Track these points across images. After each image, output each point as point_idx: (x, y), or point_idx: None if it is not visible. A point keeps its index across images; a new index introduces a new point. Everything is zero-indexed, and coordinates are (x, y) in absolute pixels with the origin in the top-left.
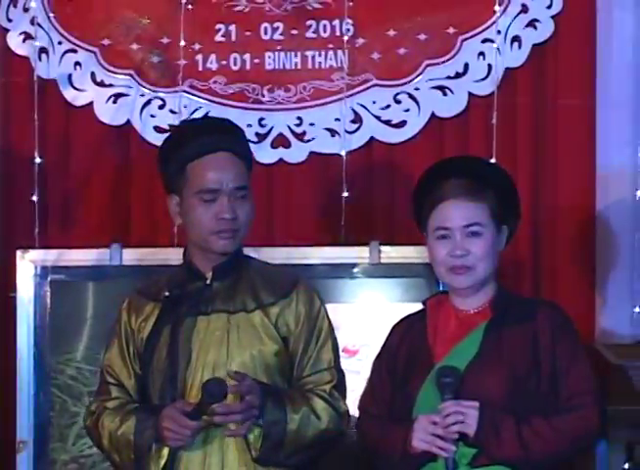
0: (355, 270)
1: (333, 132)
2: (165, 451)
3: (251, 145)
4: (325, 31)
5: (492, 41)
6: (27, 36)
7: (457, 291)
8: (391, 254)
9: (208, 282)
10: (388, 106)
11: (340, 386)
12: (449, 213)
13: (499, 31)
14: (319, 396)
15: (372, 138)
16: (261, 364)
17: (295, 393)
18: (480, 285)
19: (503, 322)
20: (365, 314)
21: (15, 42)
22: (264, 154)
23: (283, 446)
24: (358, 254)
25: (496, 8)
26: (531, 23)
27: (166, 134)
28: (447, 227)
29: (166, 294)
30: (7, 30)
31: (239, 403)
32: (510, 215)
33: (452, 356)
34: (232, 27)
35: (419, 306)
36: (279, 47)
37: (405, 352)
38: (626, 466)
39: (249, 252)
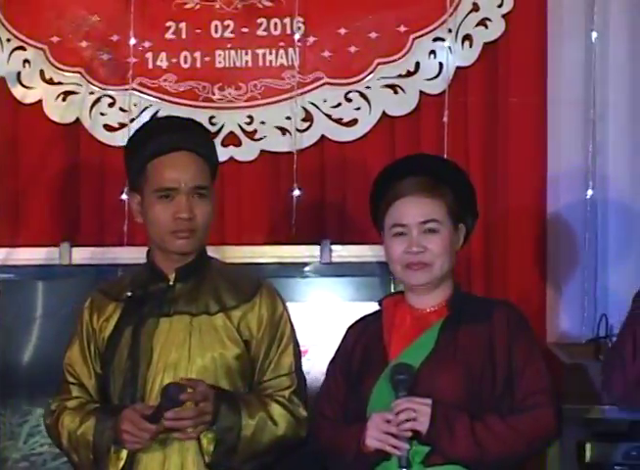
0: (306, 269)
1: (284, 131)
2: (124, 454)
3: None
4: (276, 29)
5: (443, 40)
6: None
7: (413, 289)
8: (343, 252)
9: (171, 283)
10: (339, 104)
11: (300, 391)
12: (405, 210)
13: (450, 30)
14: (277, 401)
15: (323, 137)
16: (222, 367)
17: (252, 398)
18: (437, 283)
19: (459, 321)
20: (316, 314)
21: None
22: None
23: (237, 452)
24: (309, 252)
25: (447, 6)
26: (482, 22)
27: (115, 133)
28: (403, 224)
29: (129, 294)
30: None
31: (190, 410)
32: (467, 214)
33: (407, 354)
34: (182, 25)
35: (371, 306)
36: (229, 45)
37: (360, 352)
38: (577, 466)
39: None
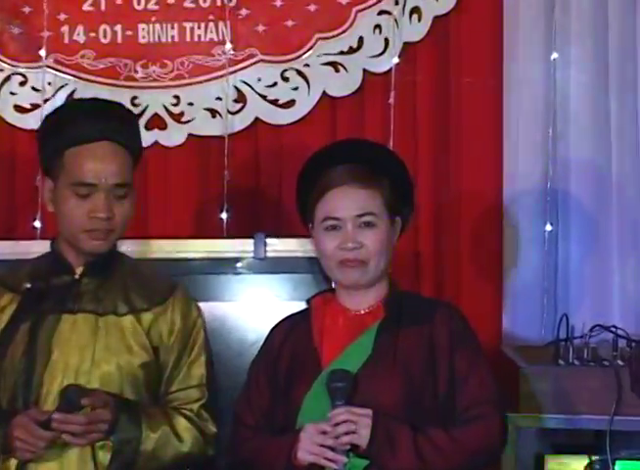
0: (239, 265)
1: (214, 113)
2: (13, 462)
3: None
4: (205, 1)
5: (389, 13)
6: None
7: (347, 288)
8: (279, 247)
9: (77, 277)
10: (275, 84)
11: (210, 405)
12: (339, 202)
13: (397, 2)
14: (184, 415)
15: (257, 119)
16: (128, 376)
17: (156, 410)
18: (372, 282)
19: (397, 323)
20: (250, 313)
21: None
22: None
23: (135, 467)
24: (242, 247)
25: None
26: None
27: (27, 114)
28: (337, 217)
29: (28, 286)
30: None
31: (82, 415)
32: (403, 206)
33: (342, 360)
34: None
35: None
36: (154, 18)
37: (287, 355)
38: None
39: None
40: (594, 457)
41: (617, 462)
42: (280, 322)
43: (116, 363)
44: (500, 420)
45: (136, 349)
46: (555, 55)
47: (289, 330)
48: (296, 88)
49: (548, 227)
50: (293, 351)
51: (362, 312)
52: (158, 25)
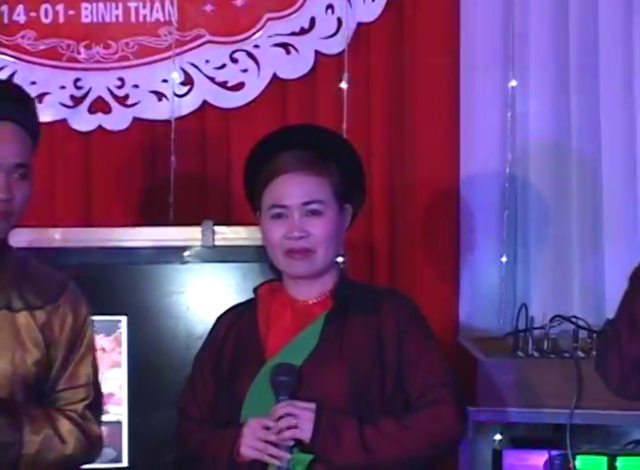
0: (186, 254)
1: (160, 95)
2: None
3: (65, 110)
4: None
5: None
6: None
7: (294, 278)
8: (228, 235)
9: None
10: (224, 65)
11: (95, 407)
12: (286, 189)
13: None
14: (67, 416)
15: (205, 102)
16: (20, 374)
17: (38, 412)
18: (321, 272)
19: (345, 313)
20: (198, 304)
21: None
22: (80, 120)
23: None
24: (189, 235)
25: None
26: None
27: None
28: (284, 205)
29: None
30: None
31: None
32: (354, 193)
33: (287, 351)
34: None
35: None
36: None
37: (232, 346)
38: None
39: (60, 233)
40: (554, 452)
41: (578, 457)
42: (225, 312)
43: (10, 360)
44: (456, 405)
45: (30, 346)
46: (513, 32)
47: (234, 320)
48: (245, 70)
49: (506, 214)
50: (237, 341)
51: (310, 303)
52: (101, 5)
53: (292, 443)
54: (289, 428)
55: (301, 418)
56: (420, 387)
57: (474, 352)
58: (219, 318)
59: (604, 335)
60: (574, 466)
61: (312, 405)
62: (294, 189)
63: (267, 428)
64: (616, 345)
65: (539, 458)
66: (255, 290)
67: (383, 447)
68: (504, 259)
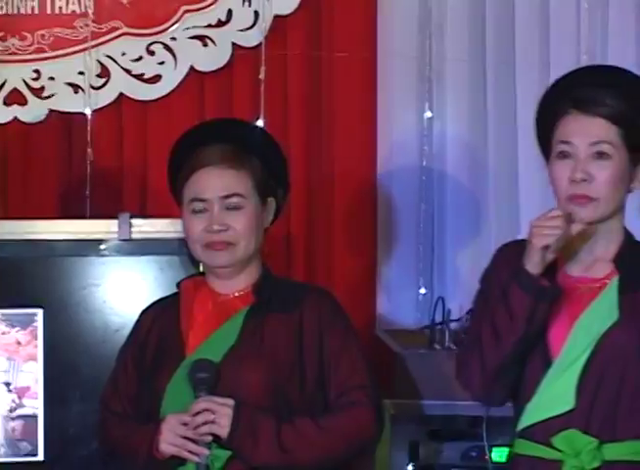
0: (102, 247)
1: (76, 88)
2: None
3: None
4: None
5: None
6: None
7: (216, 272)
8: (145, 228)
9: None
10: (140, 58)
11: None
12: (206, 183)
13: None
14: None
15: (121, 95)
16: None
17: None
18: (242, 265)
19: (266, 309)
20: (115, 297)
21: None
22: None
23: None
24: (106, 228)
25: None
26: None
27: None
28: (203, 199)
29: None
30: None
31: None
32: (277, 187)
33: (206, 347)
34: None
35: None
36: None
37: (155, 341)
38: (410, 467)
39: None
40: (470, 444)
41: (494, 449)
42: (149, 306)
43: None
44: (373, 407)
45: None
46: (430, 29)
47: (157, 315)
48: (162, 63)
49: (423, 206)
50: (160, 336)
51: (232, 297)
52: None
53: (210, 438)
54: (206, 424)
55: (219, 414)
56: (339, 388)
57: (391, 345)
58: (143, 313)
59: (463, 343)
60: (491, 458)
61: (231, 402)
62: (213, 183)
63: (185, 424)
64: (477, 354)
65: (456, 450)
66: (179, 284)
67: (299, 448)
68: (421, 253)
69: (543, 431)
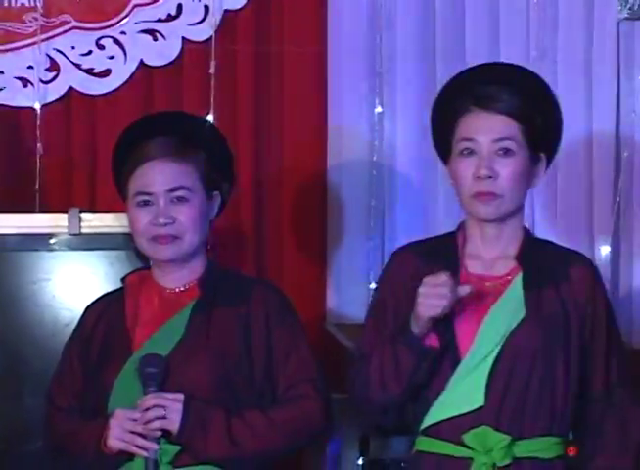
0: (52, 241)
1: (25, 82)
2: None
3: None
4: None
5: None
6: None
7: (161, 266)
8: (94, 222)
9: None
10: (90, 52)
11: None
12: (151, 176)
13: None
14: None
15: (71, 89)
16: None
17: None
18: (187, 259)
19: (213, 302)
20: (65, 292)
21: None
22: None
23: None
24: (55, 222)
25: None
26: None
27: None
28: (149, 192)
29: None
30: None
31: None
32: (222, 180)
33: (154, 342)
34: None
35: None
36: None
37: (101, 336)
38: (360, 462)
39: None
40: None
41: None
42: (94, 301)
43: None
44: (321, 400)
45: None
46: (380, 24)
47: (103, 310)
48: (111, 57)
49: (373, 202)
50: (106, 331)
51: (177, 291)
52: None
53: (159, 433)
54: (157, 419)
55: (170, 409)
56: (287, 381)
57: (341, 340)
58: (88, 308)
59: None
60: None
61: (180, 396)
62: (158, 176)
63: (134, 419)
64: (365, 392)
65: (406, 445)
66: (124, 279)
67: (248, 440)
68: (371, 246)
69: (452, 428)
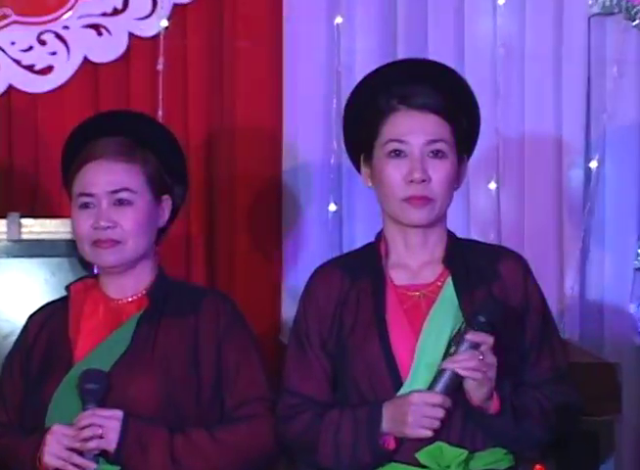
0: None
1: None
2: None
3: None
4: None
5: None
6: None
7: (106, 273)
8: (35, 228)
9: None
10: (31, 48)
11: None
12: (94, 177)
13: None
14: None
15: (10, 86)
16: None
17: None
18: (132, 266)
19: (161, 314)
20: (3, 301)
21: None
22: None
23: None
24: None
25: None
26: None
27: None
28: (91, 193)
29: None
30: None
31: None
32: (174, 183)
33: (96, 355)
34: None
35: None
36: None
37: (42, 348)
38: None
39: None
40: None
41: None
42: (36, 311)
43: None
44: (272, 420)
45: None
46: (339, 19)
47: (45, 319)
48: (54, 53)
49: (332, 207)
50: (48, 343)
51: (124, 301)
52: None
53: (96, 452)
54: (93, 438)
55: (106, 428)
56: (236, 399)
57: None
58: (31, 317)
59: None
60: None
61: (118, 414)
62: (101, 177)
63: (73, 436)
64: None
65: None
66: (68, 287)
67: (192, 461)
68: (330, 255)
69: (404, 449)
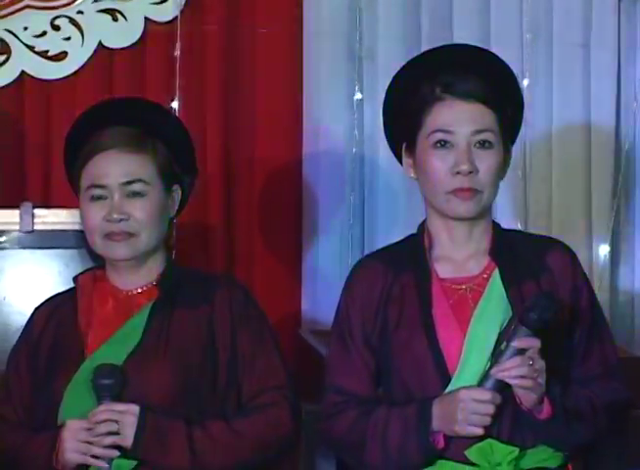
0: (3, 239)
1: None
2: None
3: None
4: None
5: None
6: None
7: (116, 266)
8: (48, 218)
9: None
10: (44, 33)
11: None
12: (104, 168)
13: None
14: None
15: (23, 73)
16: None
17: None
18: (144, 258)
19: (172, 304)
20: (16, 292)
21: None
22: None
23: None
24: (7, 219)
25: None
26: None
27: None
28: (102, 185)
29: None
30: None
31: None
32: (184, 173)
33: (108, 347)
34: None
35: None
36: None
37: (50, 341)
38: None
39: None
40: None
41: None
42: (42, 303)
43: None
44: (290, 407)
45: None
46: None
47: (52, 312)
48: (68, 38)
49: (352, 197)
50: (55, 336)
51: (134, 292)
52: None
53: (115, 453)
54: (109, 434)
55: (122, 424)
56: (254, 388)
57: (316, 346)
58: (36, 310)
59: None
60: None
61: (135, 409)
62: (113, 168)
63: (89, 429)
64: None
65: None
66: (76, 279)
67: (212, 452)
68: (351, 248)
69: (453, 446)
